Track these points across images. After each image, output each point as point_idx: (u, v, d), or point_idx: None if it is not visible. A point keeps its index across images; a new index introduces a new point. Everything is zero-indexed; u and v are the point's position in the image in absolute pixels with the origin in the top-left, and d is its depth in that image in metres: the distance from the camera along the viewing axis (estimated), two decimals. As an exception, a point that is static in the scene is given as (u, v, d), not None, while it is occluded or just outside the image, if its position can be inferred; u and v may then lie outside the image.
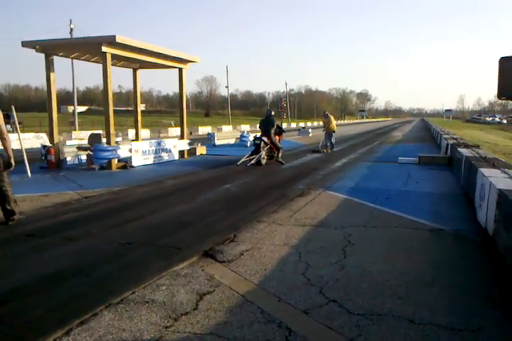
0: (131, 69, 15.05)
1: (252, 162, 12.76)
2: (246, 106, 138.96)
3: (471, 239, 5.49)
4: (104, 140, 11.81)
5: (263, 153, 13.22)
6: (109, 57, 11.10)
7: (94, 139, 12.00)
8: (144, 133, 33.85)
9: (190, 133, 40.69)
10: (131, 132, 31.72)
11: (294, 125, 67.62)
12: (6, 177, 6.07)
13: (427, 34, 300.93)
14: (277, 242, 5.23)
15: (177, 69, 14.92)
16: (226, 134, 26.74)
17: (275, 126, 13.82)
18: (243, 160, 12.96)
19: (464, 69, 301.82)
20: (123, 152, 12.01)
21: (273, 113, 14.38)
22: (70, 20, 30.15)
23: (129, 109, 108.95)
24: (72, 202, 7.61)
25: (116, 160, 11.88)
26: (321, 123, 21.17)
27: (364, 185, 9.57)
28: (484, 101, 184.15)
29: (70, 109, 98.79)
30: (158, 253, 4.82)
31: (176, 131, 40.28)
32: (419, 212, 6.98)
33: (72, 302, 3.58)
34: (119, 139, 19.31)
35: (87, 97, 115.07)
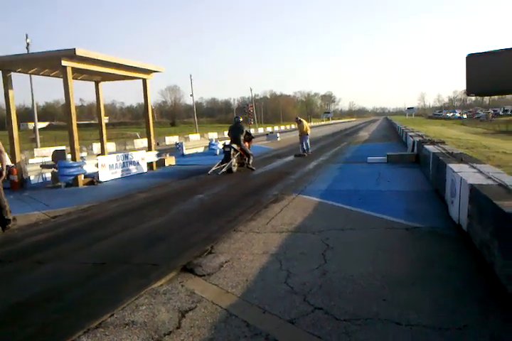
0: (93, 82, 14.73)
1: (223, 170, 12.65)
2: (212, 113, 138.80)
3: (447, 235, 5.55)
4: (69, 156, 11.48)
5: (234, 161, 13.14)
6: (69, 71, 10.81)
7: (58, 156, 11.64)
8: (110, 146, 33.23)
9: (158, 144, 40.22)
10: (96, 146, 31.12)
11: (261, 130, 67.85)
12: (1, 187, 6.75)
13: (382, 34, 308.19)
14: (256, 251, 5.15)
15: (141, 80, 14.70)
16: (194, 143, 26.55)
17: (244, 132, 13.77)
18: (214, 168, 12.85)
19: (423, 67, 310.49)
20: (89, 167, 11.71)
21: (241, 119, 14.34)
22: (26, 35, 29.41)
23: (92, 122, 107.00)
24: (39, 222, 7.32)
25: (82, 176, 11.56)
26: (291, 126, 21.44)
27: (337, 187, 9.61)
28: (444, 98, 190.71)
29: (30, 125, 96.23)
30: (135, 271, 4.66)
31: (142, 142, 39.73)
32: (394, 211, 7.03)
33: (47, 330, 3.40)
34: (84, 154, 18.92)
35: (47, 113, 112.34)
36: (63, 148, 13.22)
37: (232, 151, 13.10)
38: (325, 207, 7.67)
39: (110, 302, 3.80)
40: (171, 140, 40.16)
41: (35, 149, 26.74)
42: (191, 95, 63.43)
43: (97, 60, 11.22)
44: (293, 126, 76.32)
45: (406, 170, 12.11)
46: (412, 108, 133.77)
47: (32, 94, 26.64)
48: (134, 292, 3.99)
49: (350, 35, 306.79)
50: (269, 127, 73.24)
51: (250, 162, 13.75)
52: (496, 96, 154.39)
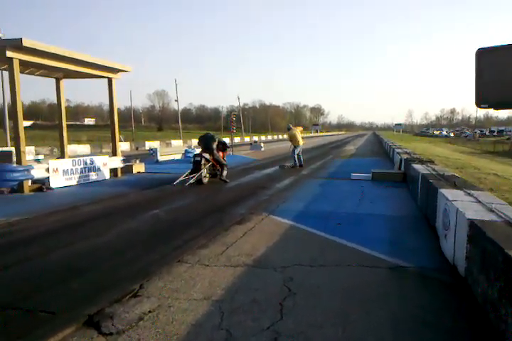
0: (54, 79, 13.45)
1: (191, 181, 11.44)
2: (201, 120, 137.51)
3: (440, 281, 4.42)
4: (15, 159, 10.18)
5: (204, 171, 11.95)
6: (16, 64, 9.55)
7: (3, 158, 10.35)
8: (84, 148, 31.87)
9: (137, 149, 38.93)
10: (73, 148, 29.67)
11: (247, 139, 66.78)
12: None
13: (370, 51, 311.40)
14: (196, 295, 3.96)
15: (109, 80, 13.47)
16: (171, 149, 25.26)
17: (216, 140, 12.59)
18: (181, 179, 11.62)
19: (411, 85, 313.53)
20: (39, 172, 10.39)
21: (215, 137, 12.96)
22: None
23: (78, 123, 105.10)
24: None
25: (29, 181, 10.25)
26: (278, 137, 20.19)
27: (314, 207, 8.47)
28: (431, 116, 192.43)
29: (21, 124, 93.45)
30: (18, 322, 3.42)
31: (124, 145, 38.40)
32: (375, 242, 5.91)
33: None
34: (41, 157, 17.54)
35: (32, 112, 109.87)
36: (11, 149, 11.85)
37: (203, 161, 11.91)
38: (296, 232, 6.51)
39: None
40: (152, 145, 38.76)
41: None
42: (176, 100, 62.38)
43: (51, 53, 9.98)
44: (280, 137, 75.62)
45: (392, 190, 11.03)
46: (399, 124, 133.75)
47: (3, 90, 25.04)
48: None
49: (340, 50, 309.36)
50: (255, 137, 72.37)
51: (224, 173, 12.56)
52: (482, 116, 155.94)
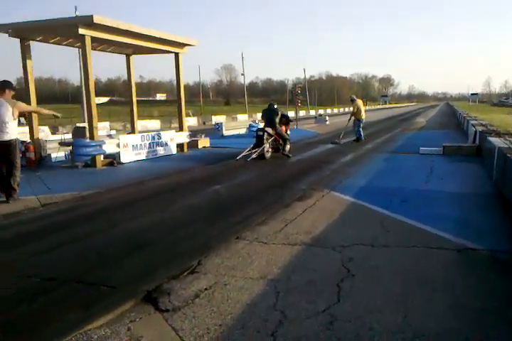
0: (124, 55, 13.79)
1: (253, 156, 11.41)
2: (267, 93, 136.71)
3: (514, 266, 4.09)
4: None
5: (267, 146, 11.87)
6: (88, 41, 9.82)
7: (78, 133, 10.85)
8: (155, 124, 32.86)
9: (204, 123, 39.57)
10: (144, 123, 30.67)
11: (313, 112, 65.74)
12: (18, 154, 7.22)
13: (449, 16, 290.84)
14: (252, 273, 3.94)
15: (176, 55, 13.57)
16: (236, 124, 25.34)
17: (279, 114, 12.42)
18: (244, 154, 11.62)
19: (490, 51, 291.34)
20: (110, 147, 10.80)
21: (276, 106, 12.81)
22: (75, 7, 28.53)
23: (150, 99, 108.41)
24: (24, 211, 6.40)
25: (101, 156, 10.71)
26: (345, 109, 19.38)
27: (377, 184, 8.17)
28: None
29: (93, 100, 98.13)
30: (81, 295, 3.55)
31: (192, 120, 39.19)
32: (443, 221, 5.59)
33: None
34: (113, 132, 18.23)
35: (109, 88, 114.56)
36: (86, 124, 12.37)
37: (265, 136, 11.82)
38: (357, 210, 6.31)
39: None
40: (219, 119, 39.16)
41: (76, 124, 26.38)
42: (242, 74, 62.24)
43: (119, 29, 10.16)
44: (347, 109, 73.69)
45: (464, 165, 10.39)
46: (475, 94, 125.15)
47: (85, 68, 25.97)
48: (55, 336, 2.88)
49: (415, 14, 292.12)
50: (321, 110, 71.04)
51: (286, 148, 12.41)
52: None
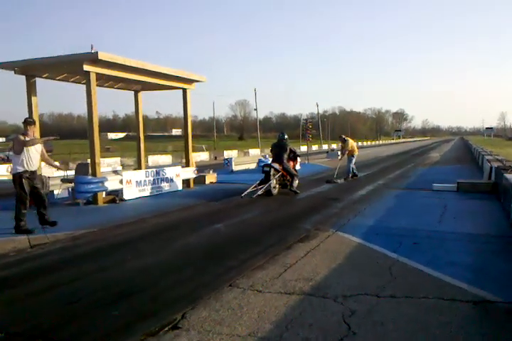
0: (133, 92, 13.82)
1: (259, 192, 11.05)
2: (280, 128, 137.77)
3: (539, 323, 3.61)
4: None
5: (273, 182, 11.53)
6: (93, 77, 9.78)
7: (81, 170, 10.68)
8: (165, 159, 32.85)
9: (215, 158, 39.53)
10: (151, 159, 30.59)
11: (326, 146, 65.60)
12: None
13: (463, 52, 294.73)
14: (240, 329, 3.51)
15: (184, 90, 13.53)
16: (246, 159, 25.14)
17: (288, 150, 12.16)
18: (249, 190, 11.26)
19: (505, 85, 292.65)
20: (112, 184, 10.57)
21: (286, 136, 12.67)
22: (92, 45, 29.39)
23: (166, 134, 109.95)
24: (10, 253, 6.08)
25: (104, 193, 10.47)
26: (358, 144, 19.12)
27: (387, 223, 7.72)
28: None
29: (109, 135, 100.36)
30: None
31: (204, 155, 39.27)
32: (457, 267, 5.13)
33: None
34: (119, 168, 18.09)
35: (127, 123, 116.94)
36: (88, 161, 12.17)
37: (272, 171, 11.52)
38: (364, 253, 5.86)
39: None
40: (229, 154, 39.18)
41: (87, 160, 26.48)
42: (255, 109, 63.03)
43: (126, 65, 10.13)
44: (360, 144, 73.53)
45: (479, 202, 9.91)
46: (490, 128, 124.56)
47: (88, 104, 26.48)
48: None
49: (427, 49, 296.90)
50: (334, 144, 70.94)
51: (294, 184, 12.06)
52: None
